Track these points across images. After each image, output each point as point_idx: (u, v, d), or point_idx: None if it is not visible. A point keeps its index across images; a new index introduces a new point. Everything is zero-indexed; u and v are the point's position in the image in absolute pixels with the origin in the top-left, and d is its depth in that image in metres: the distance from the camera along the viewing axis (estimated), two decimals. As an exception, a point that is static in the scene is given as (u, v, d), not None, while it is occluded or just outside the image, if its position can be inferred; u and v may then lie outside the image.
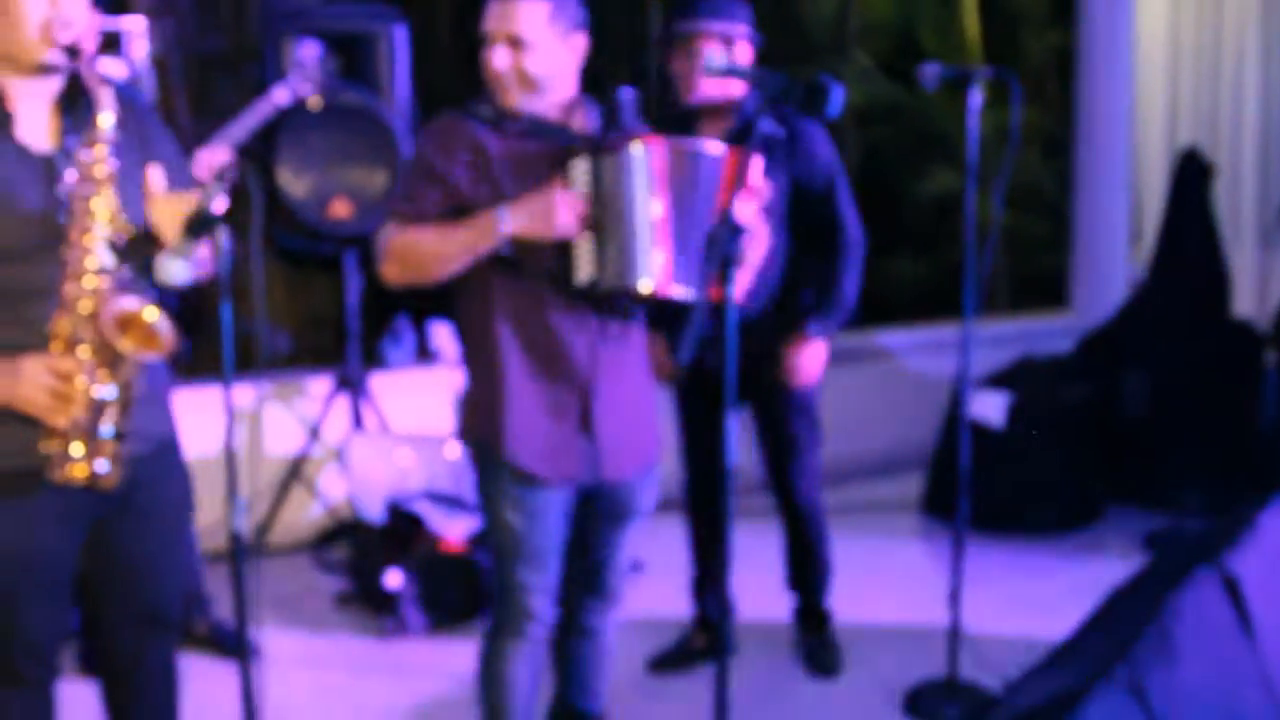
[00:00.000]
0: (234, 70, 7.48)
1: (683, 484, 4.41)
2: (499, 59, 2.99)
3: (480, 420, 3.09)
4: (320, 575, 5.32)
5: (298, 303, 7.19)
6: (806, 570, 4.54)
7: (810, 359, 4.20)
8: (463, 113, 3.05)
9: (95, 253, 2.53)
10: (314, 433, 5.60)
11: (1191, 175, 6.47)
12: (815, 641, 4.57)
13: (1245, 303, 7.25)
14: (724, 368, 2.85)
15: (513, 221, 2.92)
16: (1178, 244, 6.46)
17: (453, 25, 9.80)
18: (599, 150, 2.98)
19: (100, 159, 2.54)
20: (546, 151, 3.02)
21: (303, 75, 4.64)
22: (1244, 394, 6.12)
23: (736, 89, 4.01)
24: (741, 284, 3.06)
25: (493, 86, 3.03)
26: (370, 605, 4.86)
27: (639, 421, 3.20)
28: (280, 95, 4.53)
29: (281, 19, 5.21)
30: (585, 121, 3.10)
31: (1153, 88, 7.80)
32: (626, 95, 3.12)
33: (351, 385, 5.59)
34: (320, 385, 5.73)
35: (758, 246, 3.13)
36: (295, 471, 5.57)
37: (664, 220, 2.97)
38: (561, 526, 3.15)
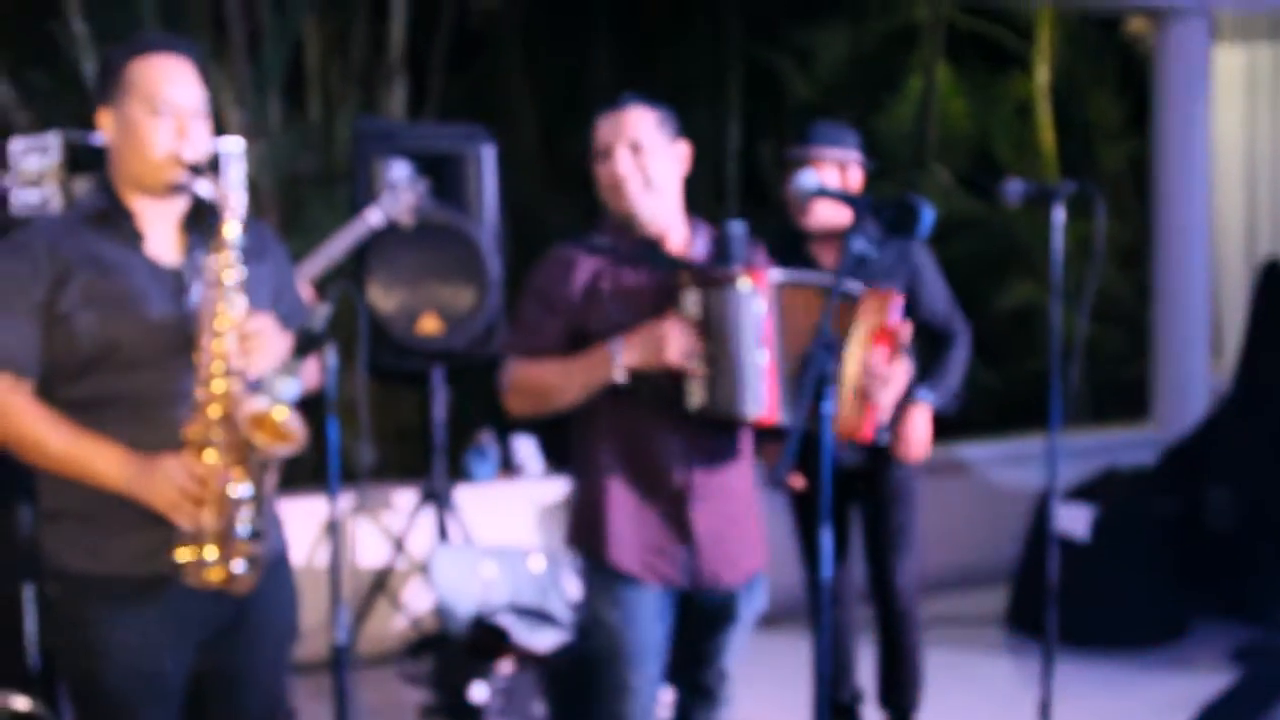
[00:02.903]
0: (324, 190, 7.66)
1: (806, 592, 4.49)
2: (623, 163, 3.13)
3: (584, 527, 3.23)
4: (405, 688, 5.34)
5: (384, 417, 7.29)
6: (902, 679, 4.55)
7: (918, 426, 4.32)
8: (576, 243, 3.20)
9: (224, 358, 2.62)
10: (399, 545, 5.65)
11: (1274, 286, 6.45)
12: None
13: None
14: (830, 482, 2.92)
15: (625, 356, 3.06)
16: (1261, 355, 6.42)
17: (539, 145, 9.99)
18: (709, 281, 3.09)
19: (226, 265, 2.64)
20: (658, 281, 3.15)
21: (394, 196, 4.75)
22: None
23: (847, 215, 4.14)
24: (873, 419, 3.20)
25: (612, 195, 3.17)
26: (454, 718, 4.87)
27: (739, 531, 3.28)
28: (373, 216, 4.64)
29: (372, 140, 5.36)
30: (694, 243, 3.24)
31: (1230, 197, 7.81)
32: (737, 228, 3.22)
33: (437, 498, 5.64)
34: (406, 498, 5.79)
35: (897, 383, 3.23)
36: (380, 583, 5.61)
37: (771, 351, 3.08)
38: (658, 628, 3.21)
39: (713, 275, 3.11)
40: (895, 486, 4.45)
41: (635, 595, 3.17)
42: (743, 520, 3.30)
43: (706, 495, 3.21)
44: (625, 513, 3.18)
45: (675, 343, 3.05)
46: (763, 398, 3.07)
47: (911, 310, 4.35)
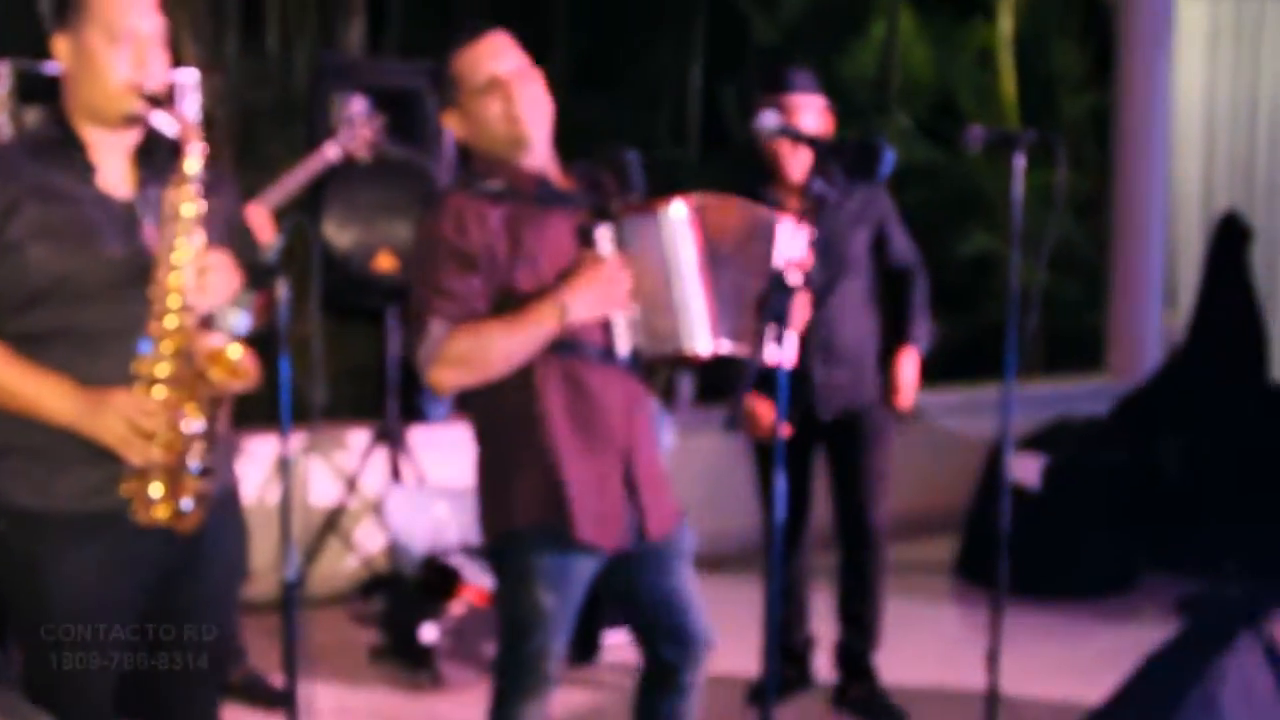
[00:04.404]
0: (281, 124, 7.59)
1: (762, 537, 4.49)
2: (525, 93, 2.96)
3: (537, 503, 2.96)
4: (355, 628, 5.33)
5: (338, 355, 7.25)
6: (868, 620, 4.59)
7: (909, 371, 4.40)
8: (467, 190, 2.97)
9: (180, 292, 2.58)
10: (351, 484, 5.63)
11: (1230, 239, 6.49)
12: (867, 694, 4.59)
13: (1283, 367, 7.24)
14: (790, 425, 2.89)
15: (577, 307, 2.87)
16: (1216, 308, 6.46)
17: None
18: (621, 214, 2.96)
19: (186, 198, 2.60)
20: (564, 217, 2.97)
21: (351, 131, 4.69)
22: (1282, 459, 6.10)
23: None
24: (789, 344, 3.02)
25: (505, 130, 2.97)
26: (405, 659, 4.86)
27: (664, 477, 3.17)
28: (330, 150, 4.58)
29: (330, 74, 5.30)
30: (573, 177, 3.07)
31: (1189, 149, 7.83)
32: (632, 157, 3.08)
33: (390, 438, 5.62)
34: (359, 437, 5.76)
35: (801, 310, 3.09)
36: (332, 523, 5.60)
37: (703, 278, 2.94)
38: (584, 592, 3.09)
39: (638, 205, 2.97)
40: (876, 431, 4.47)
41: (580, 568, 3.01)
42: (661, 464, 3.17)
43: (644, 446, 3.08)
44: (583, 481, 2.95)
45: (620, 288, 2.90)
46: (705, 328, 2.93)
47: (880, 255, 4.40)
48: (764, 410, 4.21)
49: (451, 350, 2.88)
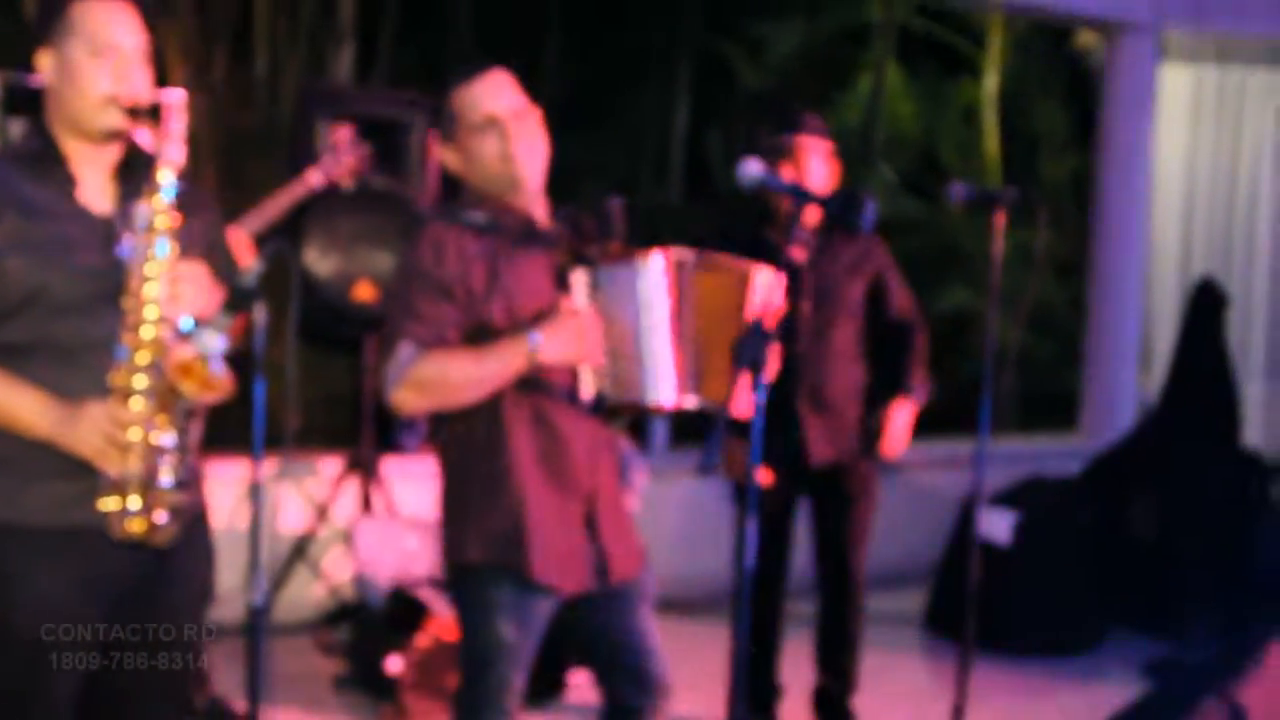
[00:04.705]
0: (266, 148, 7.59)
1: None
2: (519, 132, 2.97)
3: (498, 539, 2.97)
4: (320, 657, 5.30)
5: (314, 382, 7.23)
6: (847, 669, 4.59)
7: (901, 423, 4.38)
8: (449, 220, 2.97)
9: (154, 303, 2.58)
10: (322, 512, 5.60)
11: (1206, 304, 6.53)
12: None
13: (1255, 433, 7.28)
14: (761, 469, 2.88)
15: (547, 350, 2.87)
16: (1190, 372, 6.50)
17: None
18: (600, 260, 2.96)
19: (159, 210, 2.60)
20: (543, 258, 2.98)
21: (335, 158, 4.70)
22: (1251, 524, 6.12)
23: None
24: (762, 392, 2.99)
25: (498, 167, 2.99)
26: (370, 690, 4.84)
27: (628, 521, 3.16)
28: (313, 177, 4.58)
29: (317, 101, 5.30)
30: (556, 219, 3.07)
31: (1168, 215, 7.89)
32: (616, 203, 3.08)
33: (362, 467, 5.60)
34: (331, 465, 5.74)
35: (775, 359, 3.06)
36: (301, 550, 5.57)
37: (674, 332, 2.94)
38: (543, 629, 3.07)
39: (618, 253, 2.97)
40: (863, 482, 4.46)
41: (540, 606, 3.01)
42: (625, 507, 3.18)
43: (606, 488, 3.08)
44: (545, 521, 2.96)
45: (596, 332, 2.90)
46: (670, 382, 2.93)
47: (878, 307, 4.43)
48: (743, 454, 4.20)
49: (417, 373, 2.88)
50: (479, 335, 2.92)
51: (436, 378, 2.89)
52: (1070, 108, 11.15)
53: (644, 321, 2.92)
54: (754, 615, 4.39)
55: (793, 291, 4.20)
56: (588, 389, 2.97)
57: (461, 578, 3.04)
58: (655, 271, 2.92)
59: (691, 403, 2.97)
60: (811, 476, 4.42)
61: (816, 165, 4.22)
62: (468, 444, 3.00)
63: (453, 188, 3.14)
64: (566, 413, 2.99)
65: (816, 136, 4.25)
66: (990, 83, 11.08)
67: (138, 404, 2.58)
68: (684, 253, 3.00)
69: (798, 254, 4.23)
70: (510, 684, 3.03)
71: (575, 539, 3.02)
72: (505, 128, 2.97)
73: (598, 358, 2.94)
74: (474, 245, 2.92)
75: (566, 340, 2.89)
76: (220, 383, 2.56)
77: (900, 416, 4.39)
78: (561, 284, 2.95)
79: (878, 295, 4.42)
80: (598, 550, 3.05)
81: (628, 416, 3.12)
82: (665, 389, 2.94)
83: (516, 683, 3.05)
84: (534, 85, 3.11)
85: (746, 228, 4.26)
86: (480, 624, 3.00)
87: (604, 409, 3.02)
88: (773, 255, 4.18)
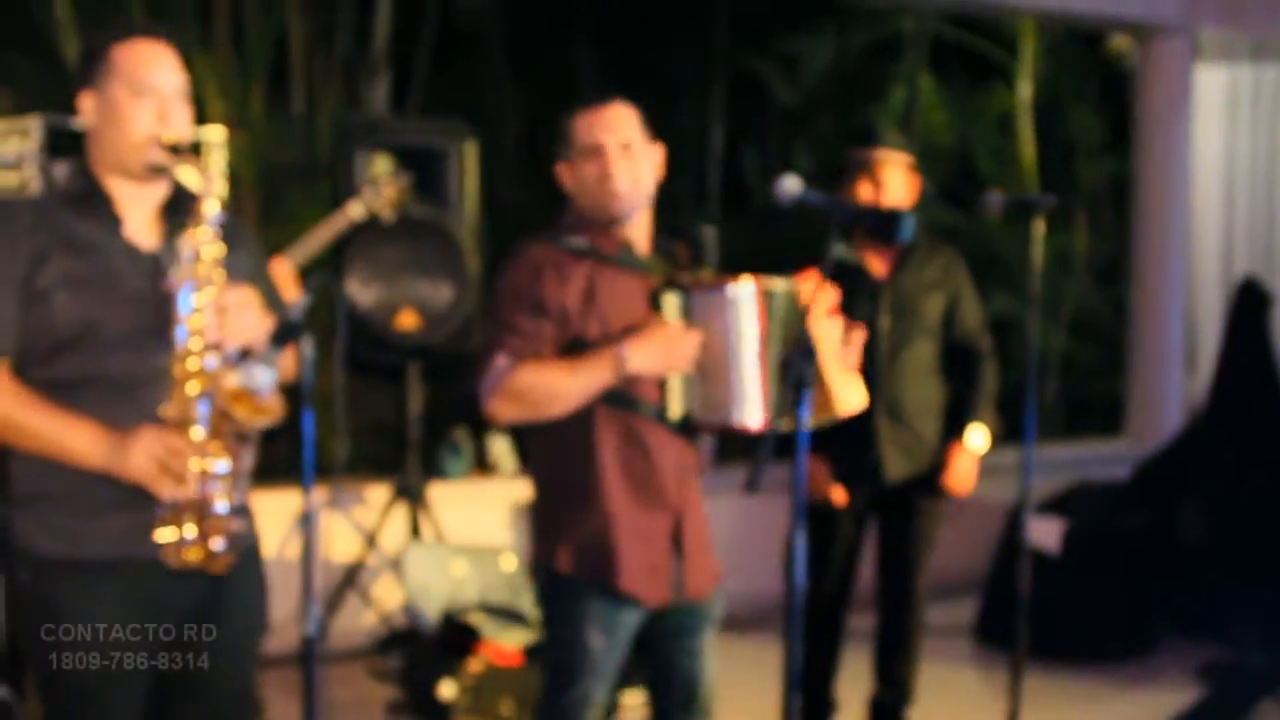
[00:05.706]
0: (306, 182, 7.64)
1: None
2: (616, 162, 3.07)
3: (588, 552, 3.08)
4: (374, 684, 5.33)
5: (360, 411, 7.27)
6: (904, 665, 4.58)
7: (966, 466, 4.41)
8: (549, 243, 3.10)
9: (201, 332, 2.63)
10: (371, 540, 5.64)
11: (1250, 304, 6.50)
12: None
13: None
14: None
15: (636, 360, 2.98)
16: (1236, 373, 6.46)
17: (520, 142, 10.00)
18: (692, 286, 3.07)
19: (204, 241, 2.65)
20: (647, 286, 3.09)
21: (375, 190, 4.74)
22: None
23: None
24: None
25: (597, 195, 3.09)
26: (423, 715, 4.86)
27: (709, 540, 3.25)
28: (354, 209, 4.63)
29: (355, 133, 5.35)
30: (657, 247, 3.18)
31: (1208, 216, 7.84)
32: (708, 231, 3.21)
33: (410, 494, 5.63)
34: (379, 493, 5.78)
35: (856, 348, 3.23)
36: (351, 579, 5.60)
37: (761, 357, 3.03)
38: (629, 642, 3.17)
39: (709, 280, 3.09)
40: (933, 499, 4.47)
41: (626, 618, 3.10)
42: (708, 527, 3.27)
43: (692, 507, 3.17)
44: (632, 534, 3.07)
45: (688, 347, 3.01)
46: (758, 404, 3.02)
47: (948, 327, 4.43)
48: (819, 471, 4.23)
49: (512, 384, 3.01)
50: (573, 351, 3.04)
51: (530, 387, 3.01)
52: (1105, 112, 11.10)
53: (734, 345, 3.02)
54: (817, 631, 4.41)
55: (872, 307, 4.25)
56: (676, 406, 3.07)
57: (552, 589, 3.14)
58: (746, 297, 3.01)
59: (778, 425, 3.03)
60: (885, 494, 4.43)
61: (895, 177, 4.24)
62: (559, 458, 3.12)
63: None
64: (655, 430, 3.09)
65: (892, 149, 4.28)
66: (1024, 90, 11.05)
67: (190, 430, 2.62)
68: (767, 279, 3.09)
69: (878, 269, 4.27)
70: (593, 697, 3.12)
71: (660, 554, 3.12)
72: (608, 157, 3.07)
73: (687, 367, 3.03)
74: (572, 267, 3.05)
75: (655, 350, 3.00)
76: (272, 408, 2.60)
77: (964, 461, 4.40)
78: (654, 306, 3.07)
79: (951, 314, 4.43)
80: (680, 565, 3.14)
81: (713, 436, 3.16)
82: (753, 411, 3.02)
83: (598, 695, 3.13)
84: (568, 110, 3.17)
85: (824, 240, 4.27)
86: (569, 635, 3.11)
87: (691, 429, 3.11)
88: (853, 272, 4.22)
